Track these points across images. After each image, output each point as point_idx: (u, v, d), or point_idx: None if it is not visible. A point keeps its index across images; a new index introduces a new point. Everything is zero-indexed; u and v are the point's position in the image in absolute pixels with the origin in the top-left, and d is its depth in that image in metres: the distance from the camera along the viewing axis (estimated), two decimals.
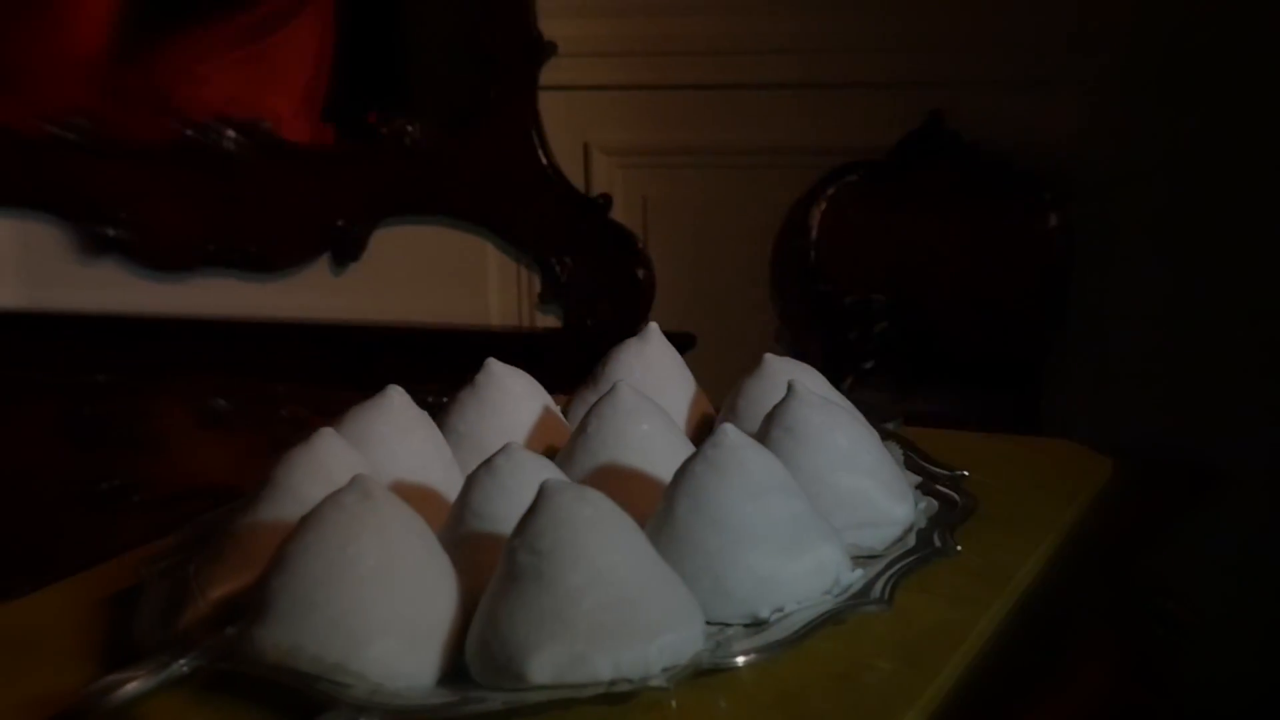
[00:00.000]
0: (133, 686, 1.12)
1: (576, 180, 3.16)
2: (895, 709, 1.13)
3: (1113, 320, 2.94)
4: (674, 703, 1.13)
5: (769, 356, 1.53)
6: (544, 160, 3.13)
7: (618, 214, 3.13)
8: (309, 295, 3.25)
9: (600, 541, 1.13)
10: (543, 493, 1.15)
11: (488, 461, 1.27)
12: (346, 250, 3.23)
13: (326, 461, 1.27)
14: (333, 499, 1.16)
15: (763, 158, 3.11)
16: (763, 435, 1.37)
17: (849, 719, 1.13)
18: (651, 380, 1.51)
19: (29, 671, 1.22)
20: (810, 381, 1.45)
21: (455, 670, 1.15)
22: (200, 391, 3.11)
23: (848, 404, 1.46)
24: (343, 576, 1.12)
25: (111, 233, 3.31)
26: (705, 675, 1.15)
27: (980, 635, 1.24)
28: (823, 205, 3.07)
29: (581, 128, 3.18)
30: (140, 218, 3.31)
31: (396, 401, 1.41)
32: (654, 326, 1.59)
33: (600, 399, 1.41)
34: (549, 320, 3.19)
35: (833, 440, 1.37)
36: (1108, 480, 1.55)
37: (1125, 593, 1.48)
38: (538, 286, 3.19)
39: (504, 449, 1.27)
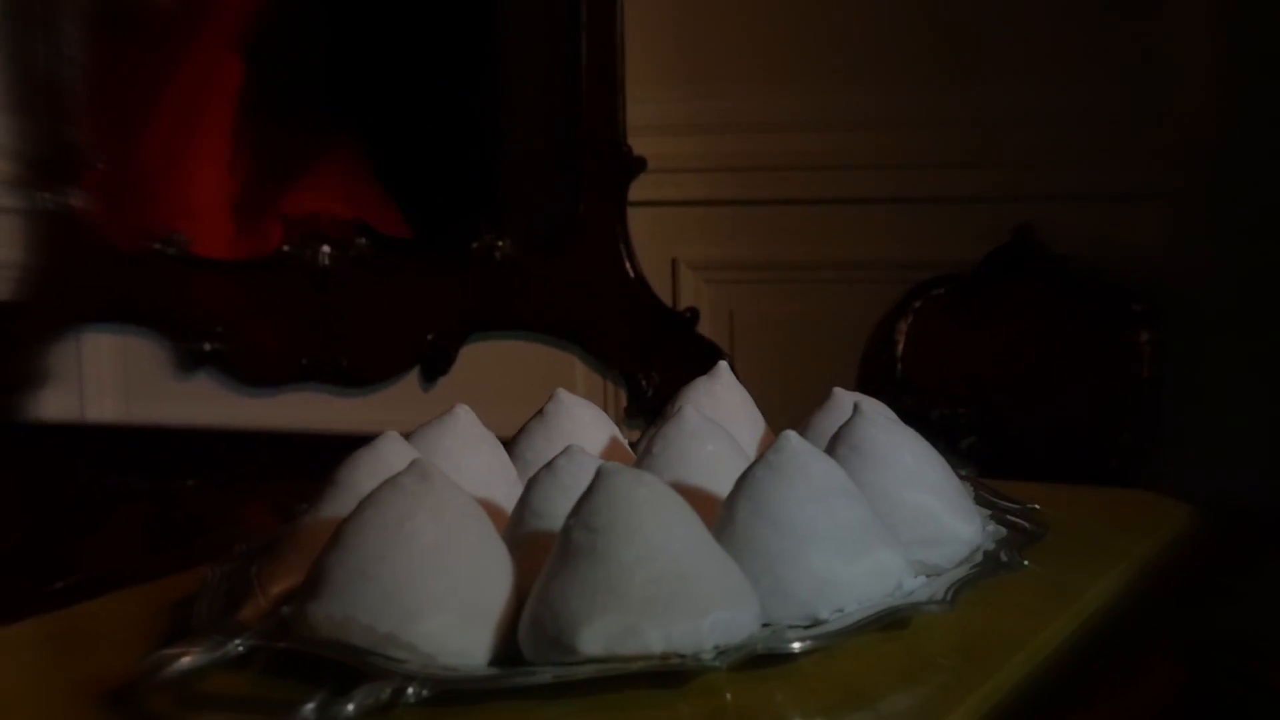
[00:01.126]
0: (186, 661, 1.12)
1: (664, 295, 3.17)
2: (954, 701, 1.11)
3: (1207, 435, 2.89)
4: (729, 695, 1.11)
5: (838, 390, 1.52)
6: (632, 275, 3.15)
7: (704, 328, 3.14)
8: (399, 409, 3.27)
9: (655, 519, 1.12)
10: (599, 475, 1.15)
11: (549, 463, 1.27)
12: (436, 365, 3.26)
13: (390, 461, 1.28)
14: (391, 481, 1.17)
15: (849, 272, 3.11)
16: (829, 454, 1.36)
17: (908, 708, 1.11)
18: (721, 415, 1.51)
19: (89, 656, 1.23)
20: (880, 411, 1.44)
21: (509, 654, 1.14)
22: (287, 496, 3.13)
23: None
24: (398, 551, 1.12)
25: (207, 347, 3.37)
26: (762, 666, 1.13)
27: (1044, 644, 1.22)
28: (909, 319, 3.06)
29: (669, 242, 3.20)
30: (235, 332, 3.36)
31: (463, 419, 1.42)
32: (723, 365, 1.60)
33: (666, 422, 1.41)
34: (636, 435, 3.18)
35: (898, 458, 1.36)
36: (1186, 525, 1.52)
37: (1202, 637, 1.44)
38: (624, 401, 3.19)
39: (565, 450, 1.28)
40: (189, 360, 3.40)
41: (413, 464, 1.18)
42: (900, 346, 3.07)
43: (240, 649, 1.15)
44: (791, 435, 1.27)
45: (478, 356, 3.27)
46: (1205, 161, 2.88)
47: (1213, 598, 1.50)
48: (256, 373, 3.37)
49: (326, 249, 3.29)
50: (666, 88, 3.15)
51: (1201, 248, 2.90)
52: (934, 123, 3.03)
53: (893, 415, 1.46)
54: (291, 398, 3.37)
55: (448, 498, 1.16)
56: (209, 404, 3.39)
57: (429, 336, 3.26)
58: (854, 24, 3.07)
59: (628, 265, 3.15)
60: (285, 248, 3.31)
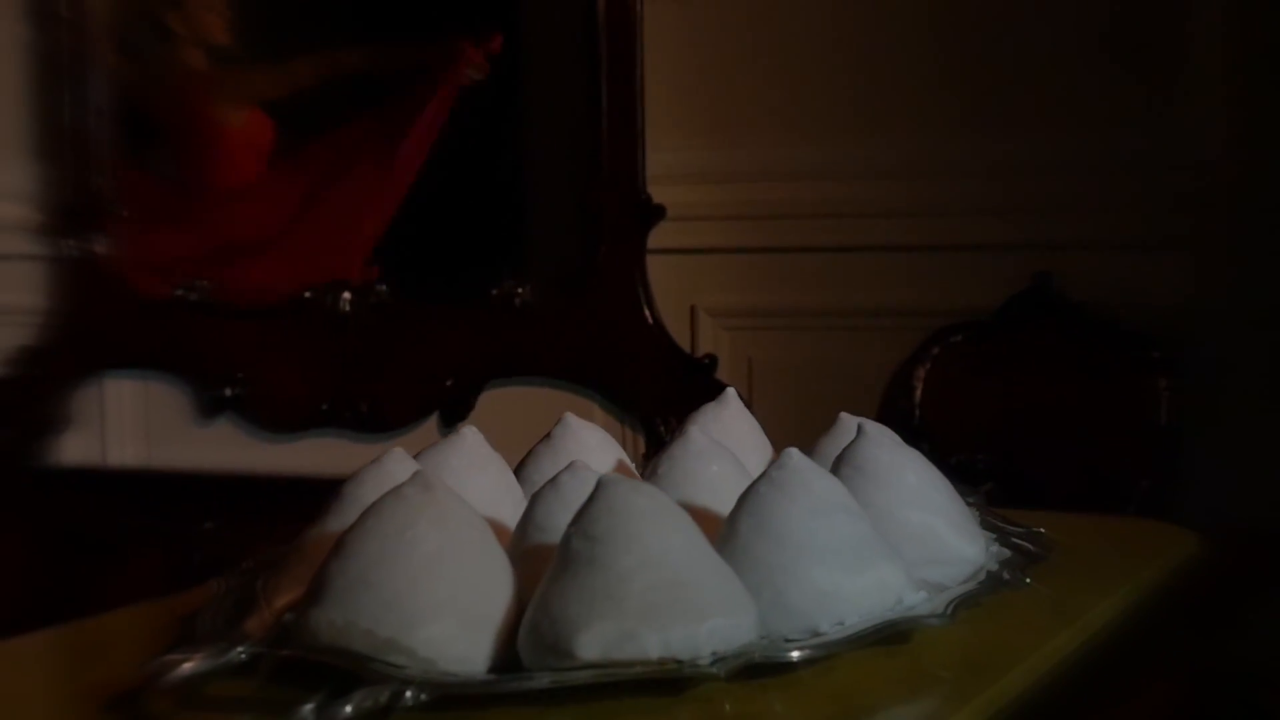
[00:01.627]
0: (189, 666, 1.13)
1: (683, 341, 3.19)
2: (951, 711, 1.11)
3: (1226, 482, 2.88)
4: (727, 704, 1.11)
5: (844, 415, 1.53)
6: (651, 321, 3.16)
7: (723, 375, 3.15)
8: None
9: (654, 528, 1.13)
10: (599, 485, 1.16)
11: (553, 479, 1.28)
12: (456, 410, 3.27)
13: (395, 476, 1.28)
14: (394, 491, 1.18)
15: (867, 319, 3.12)
16: (834, 474, 1.36)
17: (906, 718, 1.11)
18: (728, 439, 1.52)
19: (97, 664, 1.24)
20: (884, 433, 1.44)
21: (509, 662, 1.14)
22: None
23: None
24: (399, 559, 1.13)
25: (228, 392, 3.39)
26: (761, 676, 1.13)
27: (1044, 659, 1.22)
28: (927, 365, 3.07)
29: (688, 290, 3.21)
30: (256, 377, 3.38)
31: (470, 440, 1.43)
32: (731, 391, 1.61)
33: (672, 442, 1.41)
34: None
35: (902, 478, 1.36)
36: (1194, 551, 1.52)
37: (1210, 664, 1.43)
38: (642, 446, 3.20)
39: (568, 466, 1.29)
40: (210, 406, 3.42)
41: (415, 475, 1.19)
42: (918, 392, 3.07)
43: (243, 656, 1.15)
44: (794, 452, 1.28)
45: (497, 402, 3.28)
46: (1223, 210, 2.88)
47: (1221, 626, 1.50)
48: (277, 418, 3.39)
49: (347, 295, 3.31)
50: (686, 137, 3.17)
51: (1219, 295, 2.90)
52: (952, 171, 3.04)
53: (896, 438, 1.47)
54: (311, 443, 3.38)
55: (449, 508, 1.17)
56: (230, 449, 3.40)
57: (449, 382, 3.27)
58: (871, 74, 3.09)
59: (647, 312, 3.16)
60: (307, 294, 3.33)
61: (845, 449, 1.39)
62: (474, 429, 1.44)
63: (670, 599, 1.10)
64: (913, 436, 2.97)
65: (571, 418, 1.52)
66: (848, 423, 1.52)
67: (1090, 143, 2.95)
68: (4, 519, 3.37)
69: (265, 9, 3.46)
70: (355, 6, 3.43)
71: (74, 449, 3.49)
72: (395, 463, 1.31)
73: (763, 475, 1.27)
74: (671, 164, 3.14)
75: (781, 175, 3.13)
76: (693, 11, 3.17)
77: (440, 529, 1.14)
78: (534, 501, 1.28)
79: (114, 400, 3.49)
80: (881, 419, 3.04)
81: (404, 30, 3.32)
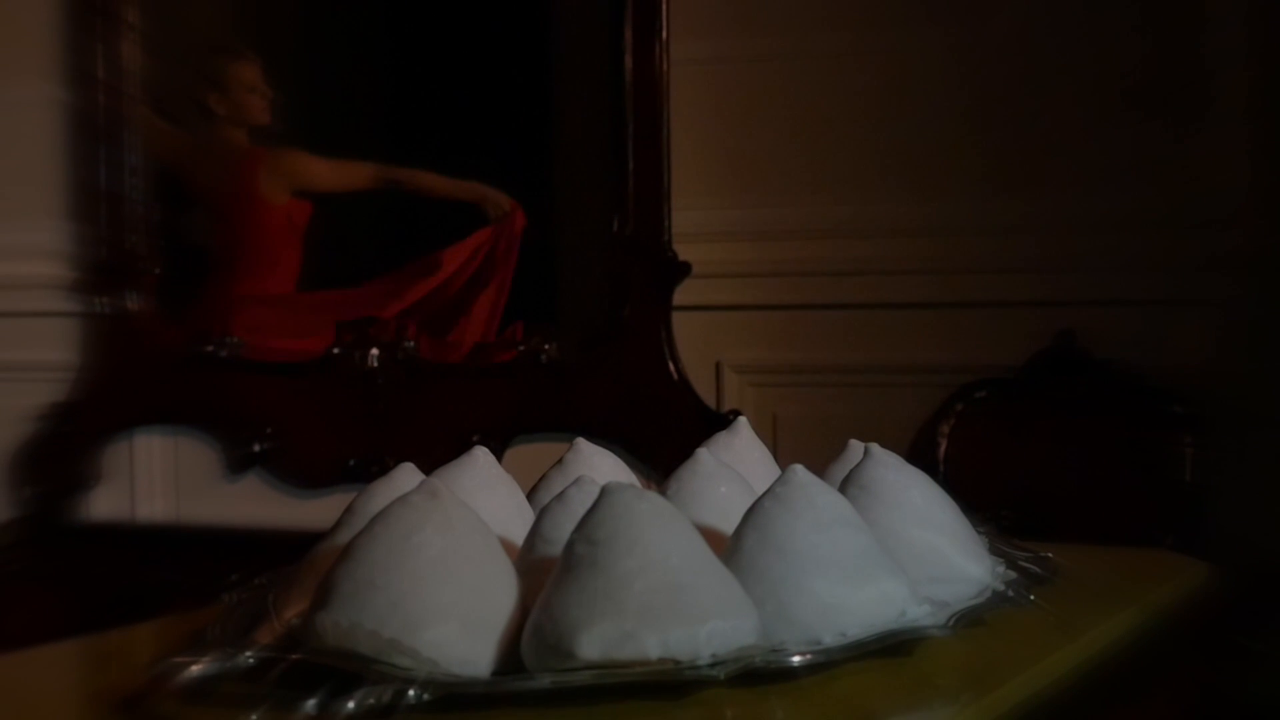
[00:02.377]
0: (196, 669, 1.14)
1: (708, 397, 3.20)
2: (949, 714, 1.12)
3: (1251, 539, 2.87)
4: (728, 710, 1.12)
5: (853, 441, 1.54)
6: (676, 377, 3.18)
7: None
8: None
9: (655, 532, 1.14)
10: (604, 492, 1.17)
11: (560, 493, 1.29)
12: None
13: (404, 488, 1.30)
14: (401, 498, 1.20)
15: (892, 376, 3.12)
16: (840, 493, 1.37)
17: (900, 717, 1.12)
18: (739, 464, 1.53)
19: (111, 672, 1.26)
20: (890, 455, 1.45)
21: (512, 666, 1.15)
22: None
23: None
24: (405, 562, 1.14)
25: (257, 448, 3.41)
26: (763, 683, 1.14)
27: (1044, 672, 1.23)
28: (952, 421, 3.07)
29: (713, 346, 3.23)
30: (284, 434, 3.40)
31: (481, 460, 1.45)
32: (743, 420, 1.63)
33: (682, 465, 1.43)
34: None
35: (908, 497, 1.38)
36: (1201, 579, 1.52)
37: (1216, 693, 1.44)
38: None
39: (575, 480, 1.30)
40: (239, 461, 3.44)
41: (423, 483, 1.21)
42: (943, 449, 3.07)
43: (250, 660, 1.17)
44: (798, 468, 1.29)
45: (524, 458, 3.28)
46: (1245, 267, 2.89)
47: (1229, 654, 1.50)
48: (305, 474, 3.41)
49: (375, 352, 3.34)
50: (711, 195, 3.20)
51: (1242, 352, 2.90)
52: (976, 229, 3.04)
53: (902, 460, 1.48)
54: (339, 499, 3.35)
55: (455, 514, 1.19)
56: (258, 504, 3.42)
57: (475, 438, 3.28)
58: (895, 131, 3.11)
59: (672, 368, 3.18)
60: (335, 350, 3.36)
61: (853, 470, 1.40)
62: (485, 449, 1.45)
63: (670, 601, 1.11)
64: None
65: (583, 442, 1.54)
66: (856, 448, 1.53)
67: (1113, 200, 2.96)
68: (35, 575, 3.39)
69: (316, 100, 3.50)
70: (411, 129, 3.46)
71: (104, 504, 3.51)
72: (405, 475, 1.33)
73: (768, 491, 1.28)
74: (697, 222, 3.16)
75: (806, 233, 3.14)
76: (717, 72, 3.19)
77: (445, 534, 1.16)
78: (542, 515, 1.29)
79: (144, 456, 3.52)
80: None
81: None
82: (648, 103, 3.16)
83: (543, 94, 3.36)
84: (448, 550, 1.15)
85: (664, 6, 3.14)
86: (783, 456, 3.00)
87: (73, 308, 3.51)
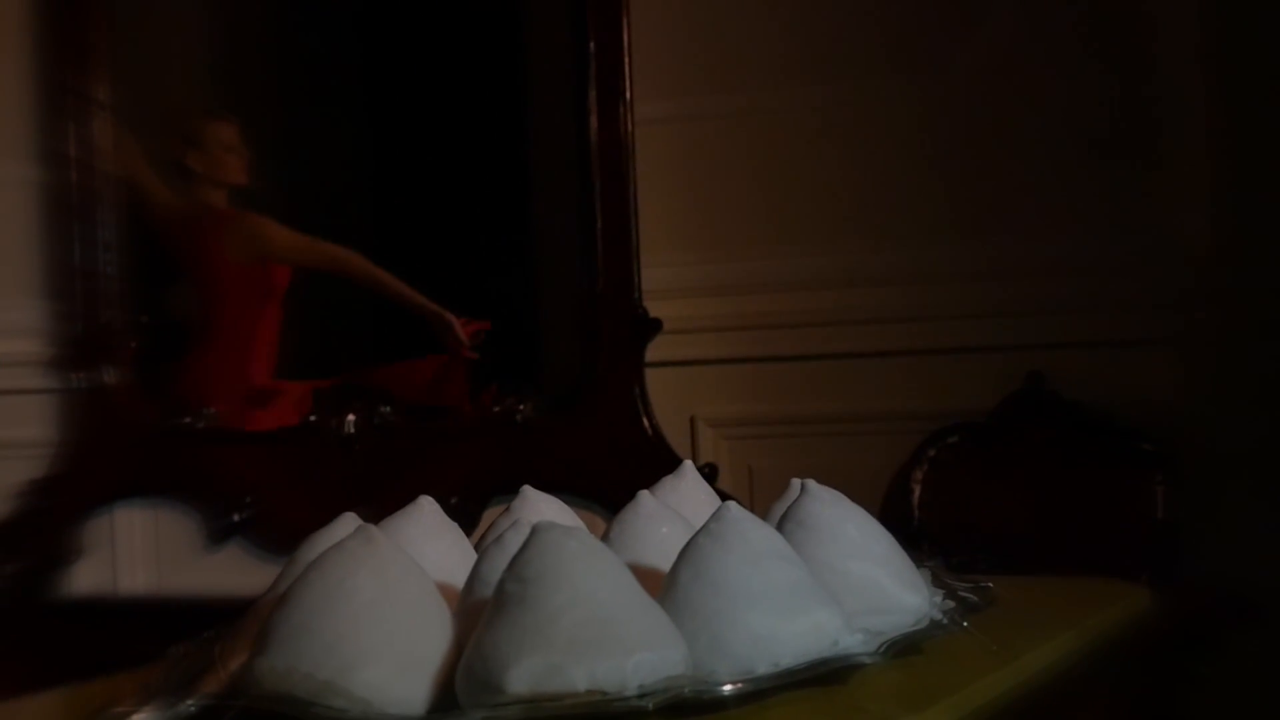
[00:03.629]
0: (138, 718, 1.16)
1: (683, 452, 3.20)
2: None
3: (1222, 571, 2.88)
4: None
5: (794, 480, 1.56)
6: (651, 433, 3.20)
7: (724, 484, 3.16)
8: None
9: (584, 569, 1.16)
10: (534, 532, 1.19)
11: (498, 536, 1.31)
12: (461, 526, 3.28)
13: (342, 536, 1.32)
14: (337, 545, 1.21)
15: (865, 424, 3.14)
16: (778, 530, 1.39)
17: None
18: (684, 507, 1.55)
19: None
20: (826, 491, 1.47)
21: (447, 705, 1.17)
22: None
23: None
24: (339, 606, 1.16)
25: (236, 518, 3.43)
26: (696, 713, 1.16)
27: (975, 694, 1.24)
28: (924, 467, 3.09)
29: (687, 401, 3.24)
30: (263, 502, 3.41)
31: (427, 509, 1.47)
32: (688, 464, 1.64)
33: (624, 508, 1.45)
34: None
35: (843, 531, 1.40)
36: (1144, 606, 1.54)
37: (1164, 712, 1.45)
38: None
39: (513, 524, 1.32)
40: (219, 531, 3.45)
41: (358, 529, 1.22)
42: (916, 494, 3.09)
43: (192, 708, 1.18)
44: (731, 505, 1.31)
45: None
46: (1210, 307, 2.91)
47: (1175, 678, 1.51)
48: (285, 541, 3.40)
49: (352, 417, 3.36)
50: (680, 252, 3.22)
51: (1212, 390, 2.92)
52: (943, 276, 3.07)
53: (840, 495, 1.50)
54: None
55: (389, 558, 1.21)
56: (239, 573, 3.42)
57: (453, 500, 3.29)
58: (859, 182, 3.14)
59: (646, 423, 3.20)
60: (312, 418, 3.38)
61: (790, 506, 1.42)
62: (430, 499, 1.47)
63: (597, 635, 1.12)
64: (912, 538, 3.00)
65: (529, 489, 1.56)
66: (796, 486, 1.55)
67: (1079, 244, 2.99)
68: (17, 652, 3.39)
69: (293, 167, 3.53)
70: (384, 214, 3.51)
71: (86, 579, 3.52)
72: (344, 525, 1.35)
73: (702, 528, 1.30)
74: (667, 278, 3.19)
75: (774, 285, 3.17)
76: (682, 131, 3.23)
77: (379, 578, 1.18)
78: (480, 558, 1.31)
79: (124, 529, 3.53)
80: (881, 521, 3.07)
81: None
82: (614, 163, 3.19)
83: (518, 159, 3.39)
84: (382, 593, 1.17)
85: (627, 69, 3.17)
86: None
87: (50, 384, 3.53)
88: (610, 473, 3.17)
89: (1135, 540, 2.92)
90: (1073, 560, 2.90)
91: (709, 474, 3.11)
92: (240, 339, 3.52)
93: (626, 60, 3.16)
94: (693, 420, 3.22)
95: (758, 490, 3.16)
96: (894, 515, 3.08)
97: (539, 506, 1.55)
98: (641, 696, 1.12)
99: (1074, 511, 2.96)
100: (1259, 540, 2.82)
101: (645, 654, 1.13)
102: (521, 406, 3.24)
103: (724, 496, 2.96)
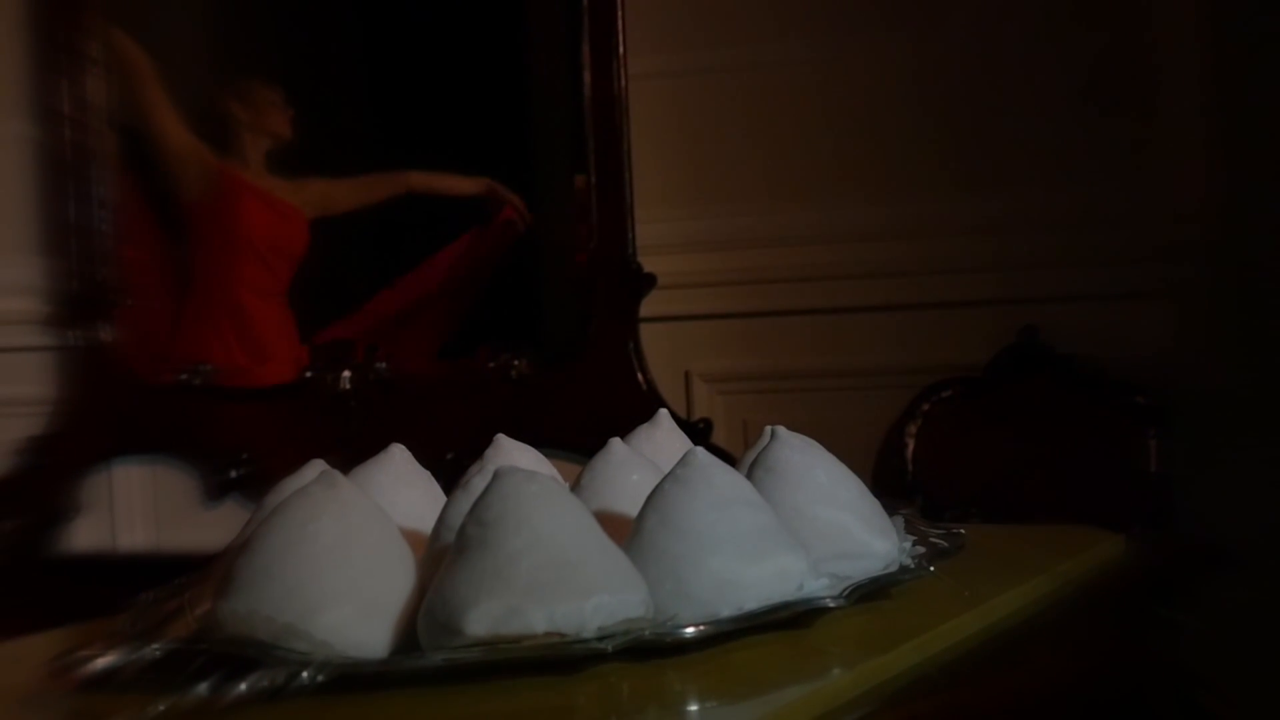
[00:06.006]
0: (102, 662, 1.17)
1: (678, 407, 3.21)
2: (839, 678, 1.14)
3: (1216, 528, 2.88)
4: (625, 685, 1.14)
5: (767, 427, 1.56)
6: (645, 389, 3.20)
7: (718, 438, 3.17)
8: None
9: (543, 512, 1.17)
10: (495, 475, 1.20)
11: (464, 481, 1.31)
12: (457, 483, 3.30)
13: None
14: (300, 489, 1.22)
15: (859, 379, 3.15)
16: (748, 477, 1.40)
17: (795, 688, 1.13)
18: (659, 456, 1.55)
19: (20, 671, 1.28)
20: (814, 449, 1.48)
21: (410, 648, 1.17)
22: None
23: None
24: (301, 549, 1.17)
25: (234, 474, 3.44)
26: (658, 657, 1.16)
27: (940, 637, 1.24)
28: (919, 422, 3.09)
29: (682, 356, 3.25)
30: (261, 458, 3.42)
31: (398, 457, 1.47)
32: (663, 412, 1.65)
33: (595, 455, 1.45)
34: None
35: (812, 476, 1.40)
36: (1117, 552, 1.54)
37: (1143, 660, 1.45)
38: None
39: (480, 470, 1.32)
40: (217, 488, 3.47)
41: (321, 474, 1.23)
42: (910, 449, 3.09)
43: (157, 652, 1.19)
44: (698, 450, 1.32)
45: None
46: (1202, 259, 2.91)
47: (1152, 626, 1.51)
48: None
49: (347, 374, 3.36)
50: (674, 207, 3.23)
51: (1205, 342, 2.91)
52: (938, 230, 3.07)
53: (810, 441, 1.50)
54: None
55: (351, 502, 1.21)
56: (236, 529, 3.42)
57: (449, 455, 3.29)
58: (854, 137, 3.14)
59: (641, 379, 3.20)
60: (308, 374, 3.39)
61: (759, 453, 1.42)
62: (401, 446, 1.48)
63: (556, 577, 1.13)
64: (907, 492, 3.01)
65: (503, 438, 1.56)
66: (767, 433, 1.55)
67: (1072, 198, 2.99)
68: (17, 609, 3.41)
69: (328, 119, 3.53)
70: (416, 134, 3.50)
71: (84, 536, 3.54)
72: (311, 470, 1.35)
73: (669, 474, 1.30)
74: (661, 234, 3.19)
75: (769, 240, 3.17)
76: (676, 85, 3.22)
77: (341, 521, 1.18)
78: (447, 504, 1.32)
79: (122, 486, 3.54)
80: (875, 476, 3.09)
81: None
82: (607, 118, 3.19)
83: (514, 115, 3.39)
84: (343, 537, 1.18)
85: (620, 23, 3.16)
86: None
87: (47, 342, 3.54)
88: (606, 428, 3.15)
89: (1128, 492, 2.93)
90: (1066, 513, 2.90)
91: (704, 429, 3.12)
92: (244, 296, 3.52)
93: (620, 15, 3.15)
94: (687, 375, 3.23)
95: (752, 444, 3.15)
96: (888, 468, 3.09)
97: (512, 455, 1.55)
98: (601, 639, 1.13)
99: (1068, 464, 2.97)
100: (1250, 492, 2.82)
101: (604, 596, 1.14)
102: (516, 362, 3.24)
103: (717, 452, 2.98)
